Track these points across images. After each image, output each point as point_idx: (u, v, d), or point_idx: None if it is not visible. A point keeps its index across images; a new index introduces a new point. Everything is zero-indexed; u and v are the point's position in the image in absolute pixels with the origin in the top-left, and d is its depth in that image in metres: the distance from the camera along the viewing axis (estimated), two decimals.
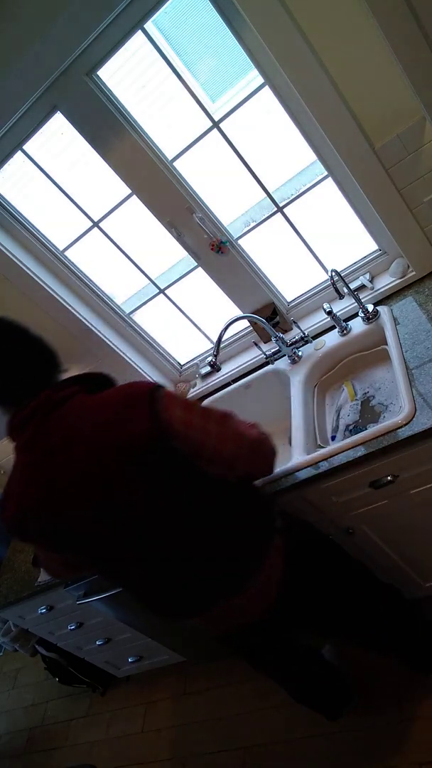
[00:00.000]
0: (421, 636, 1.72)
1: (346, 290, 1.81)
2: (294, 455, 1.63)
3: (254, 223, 1.94)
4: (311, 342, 1.94)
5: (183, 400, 1.23)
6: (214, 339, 1.98)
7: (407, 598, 1.70)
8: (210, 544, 1.30)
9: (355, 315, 1.88)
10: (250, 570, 1.34)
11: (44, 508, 1.22)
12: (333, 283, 1.68)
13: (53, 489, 1.20)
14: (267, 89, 1.60)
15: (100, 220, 1.95)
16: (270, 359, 2.01)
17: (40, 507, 1.22)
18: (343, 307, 1.92)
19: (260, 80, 1.59)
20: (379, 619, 1.61)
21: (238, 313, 2.10)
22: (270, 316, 2.03)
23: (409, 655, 1.75)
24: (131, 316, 2.26)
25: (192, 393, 2.28)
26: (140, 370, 2.25)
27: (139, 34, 1.54)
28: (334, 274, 1.72)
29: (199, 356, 2.35)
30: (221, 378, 2.20)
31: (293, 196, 1.85)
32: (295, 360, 1.94)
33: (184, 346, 2.37)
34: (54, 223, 1.99)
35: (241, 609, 1.38)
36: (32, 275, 2.00)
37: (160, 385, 1.23)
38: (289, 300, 2.11)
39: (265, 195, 1.84)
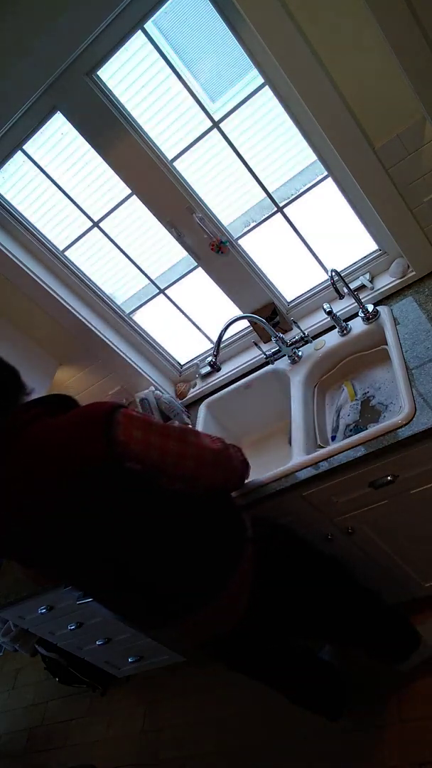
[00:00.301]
0: (390, 627, 1.73)
1: (346, 290, 1.81)
2: (294, 455, 1.63)
3: (254, 223, 1.94)
4: (311, 342, 1.94)
5: (141, 419, 1.23)
6: (214, 339, 1.98)
7: (379, 598, 1.72)
8: (177, 557, 1.32)
9: (355, 315, 1.88)
10: (221, 580, 1.36)
11: (11, 526, 1.26)
12: (333, 283, 1.68)
13: (19, 509, 1.23)
14: (267, 89, 1.60)
15: (100, 220, 1.95)
16: (270, 359, 2.01)
17: (7, 525, 1.26)
18: (343, 307, 1.92)
19: (260, 80, 1.59)
20: (352, 615, 1.64)
21: (238, 313, 2.10)
22: (270, 316, 2.03)
23: (382, 647, 1.76)
24: (131, 316, 2.26)
25: (192, 393, 2.28)
26: (140, 370, 2.25)
27: (139, 34, 1.54)
28: (334, 274, 1.72)
29: (199, 356, 2.35)
30: (221, 378, 2.21)
31: (293, 196, 1.85)
32: (295, 360, 1.94)
33: (184, 346, 2.37)
34: (54, 223, 1.99)
35: (214, 618, 1.40)
36: (32, 275, 2.00)
37: (118, 405, 1.24)
38: (289, 300, 2.11)
39: (265, 195, 1.84)
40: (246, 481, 1.48)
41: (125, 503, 1.23)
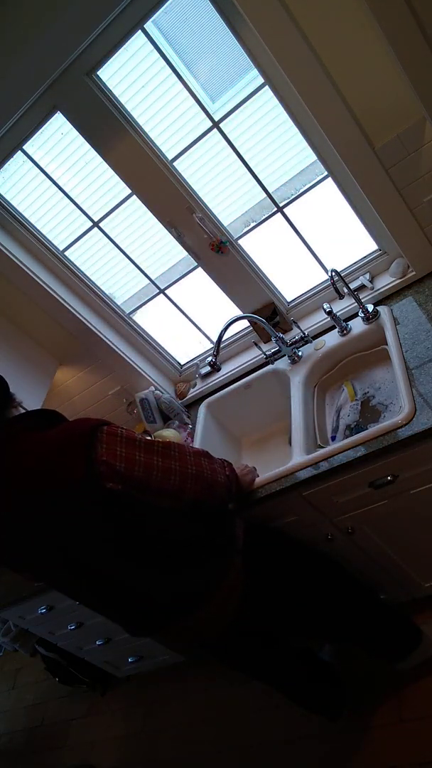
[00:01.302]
0: (388, 625, 1.73)
1: (346, 290, 1.81)
2: (294, 455, 1.63)
3: (254, 223, 1.94)
4: (311, 342, 1.94)
5: (124, 436, 1.23)
6: (214, 339, 1.98)
7: (377, 597, 1.73)
8: (161, 569, 1.32)
9: (355, 315, 1.88)
10: (205, 592, 1.36)
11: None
12: (333, 283, 1.68)
13: (1, 521, 1.25)
14: (267, 89, 1.60)
15: (100, 220, 1.95)
16: (270, 359, 2.01)
17: None
18: (343, 307, 1.92)
19: (260, 80, 1.59)
20: (348, 616, 1.65)
21: (238, 313, 2.10)
22: (270, 316, 2.03)
23: (380, 645, 1.76)
24: (131, 316, 2.26)
25: (192, 393, 2.28)
26: (140, 370, 2.25)
27: (139, 34, 1.54)
28: (334, 274, 1.72)
29: (199, 356, 2.35)
30: (221, 378, 2.21)
31: (293, 196, 1.85)
32: (295, 360, 1.94)
33: (184, 346, 2.37)
34: (54, 223, 1.99)
35: (200, 626, 1.41)
36: (32, 275, 2.01)
37: (101, 423, 1.23)
38: (289, 300, 2.11)
39: (265, 195, 1.84)
40: (235, 493, 1.46)
41: (106, 520, 1.22)
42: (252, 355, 2.15)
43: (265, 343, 2.11)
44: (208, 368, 2.26)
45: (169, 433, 2.12)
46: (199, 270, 2.03)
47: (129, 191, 1.86)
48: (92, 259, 2.09)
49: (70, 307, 2.09)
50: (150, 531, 1.29)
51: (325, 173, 1.74)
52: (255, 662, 1.66)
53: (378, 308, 1.82)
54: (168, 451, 1.27)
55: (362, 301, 1.84)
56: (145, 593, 1.36)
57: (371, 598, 1.70)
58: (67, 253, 2.07)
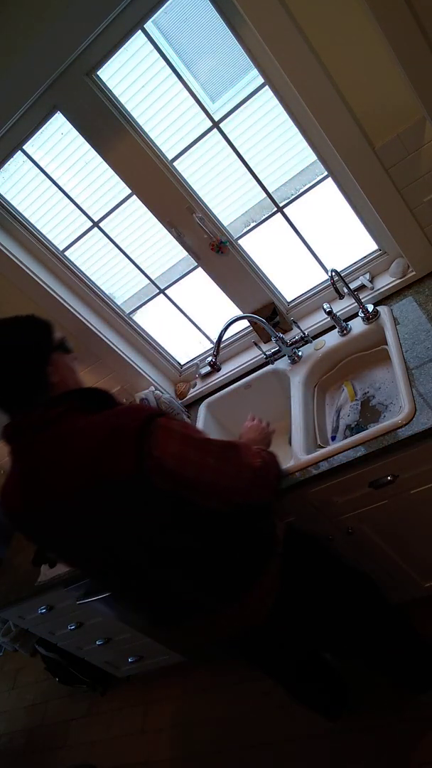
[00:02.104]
0: (418, 657, 1.67)
1: (346, 290, 1.81)
2: (294, 455, 1.63)
3: (254, 223, 1.94)
4: (311, 342, 1.94)
5: (179, 431, 1.15)
6: (214, 339, 1.98)
7: (409, 621, 1.66)
8: (194, 566, 1.27)
9: (355, 315, 1.88)
10: (236, 593, 1.32)
11: (30, 519, 1.25)
12: (333, 283, 1.68)
13: (39, 505, 1.20)
14: (267, 89, 1.60)
15: (100, 220, 1.95)
16: (270, 359, 2.01)
17: (27, 517, 1.25)
18: (343, 307, 1.92)
19: (260, 80, 1.59)
20: (379, 641, 1.59)
21: (238, 313, 2.10)
22: (270, 316, 2.03)
23: (406, 675, 1.71)
24: (131, 316, 2.26)
25: (192, 393, 2.28)
26: (140, 370, 2.25)
27: (139, 34, 1.54)
28: (334, 274, 1.72)
29: (199, 356, 2.35)
30: (221, 378, 2.20)
31: (293, 196, 1.85)
32: (295, 360, 1.94)
33: (184, 346, 2.37)
34: (54, 223, 1.99)
35: (225, 625, 1.37)
36: (32, 275, 2.00)
37: (156, 414, 1.14)
38: (289, 300, 2.11)
39: (265, 195, 1.84)
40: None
41: (147, 517, 1.16)
42: (252, 355, 2.15)
43: (265, 343, 2.11)
44: (208, 368, 2.26)
45: None
46: (199, 270, 2.03)
47: (129, 191, 1.86)
48: (92, 259, 2.09)
49: (70, 307, 2.09)
50: (190, 531, 1.22)
51: (325, 173, 1.74)
52: (264, 657, 1.62)
53: (378, 308, 1.82)
54: (224, 453, 1.20)
55: (362, 301, 1.84)
56: (172, 588, 1.30)
57: (405, 625, 1.64)
58: (67, 253, 2.07)
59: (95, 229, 1.98)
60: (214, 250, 1.93)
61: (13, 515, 1.25)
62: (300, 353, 1.94)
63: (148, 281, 2.13)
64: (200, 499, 1.18)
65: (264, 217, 1.91)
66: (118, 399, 1.27)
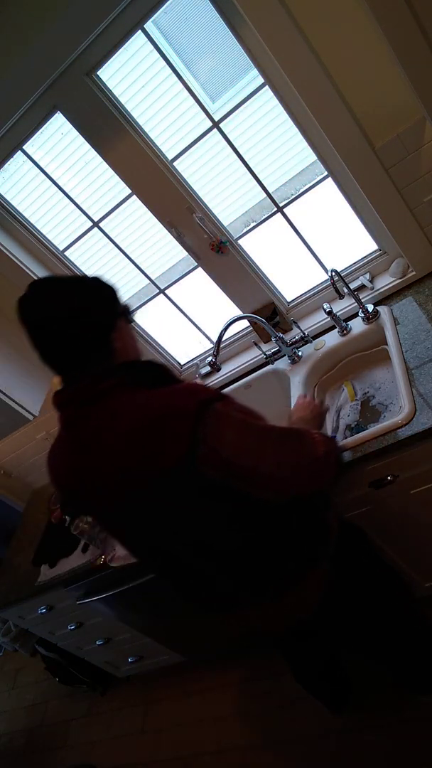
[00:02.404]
0: (428, 657, 1.65)
1: (346, 290, 1.81)
2: None
3: (254, 223, 1.94)
4: (311, 342, 1.94)
5: (238, 417, 1.06)
6: (214, 339, 1.98)
7: (427, 621, 1.64)
8: (236, 557, 1.20)
9: (355, 315, 1.88)
10: (284, 588, 1.25)
11: (74, 488, 1.19)
12: (333, 283, 1.68)
13: (82, 477, 1.14)
14: (267, 89, 1.60)
15: (100, 220, 1.95)
16: (270, 359, 2.01)
17: (70, 486, 1.20)
18: (343, 307, 1.92)
19: (260, 80, 1.59)
20: (401, 638, 1.57)
21: (238, 313, 2.10)
22: (270, 316, 2.03)
23: (413, 675, 1.70)
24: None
25: None
26: None
27: (139, 33, 1.54)
28: (334, 274, 1.72)
29: (199, 356, 2.35)
30: (221, 378, 2.20)
31: (293, 196, 1.85)
32: (295, 360, 1.94)
33: (184, 346, 2.37)
34: (54, 223, 1.99)
35: (270, 616, 1.31)
36: (32, 275, 2.00)
37: (215, 398, 1.05)
38: (289, 300, 2.11)
39: (265, 195, 1.84)
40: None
41: (191, 509, 1.10)
42: (252, 355, 2.15)
43: (265, 343, 2.11)
44: (208, 368, 2.26)
45: None
46: (199, 270, 2.03)
47: (129, 191, 1.86)
48: (92, 260, 2.09)
49: None
50: (237, 523, 1.15)
51: (325, 173, 1.74)
52: (291, 642, 1.59)
53: (378, 308, 1.82)
54: (285, 439, 1.13)
55: (362, 301, 1.84)
56: (216, 583, 1.25)
57: (425, 624, 1.61)
58: (67, 253, 2.07)
59: (95, 229, 1.98)
60: (214, 250, 1.93)
61: (57, 479, 1.22)
62: (300, 353, 1.94)
63: (148, 281, 2.13)
64: (254, 489, 1.10)
65: (264, 217, 1.91)
66: (177, 376, 1.18)
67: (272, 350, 2.01)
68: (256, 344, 2.04)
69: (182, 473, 1.03)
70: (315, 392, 1.89)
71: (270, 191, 1.83)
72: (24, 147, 1.78)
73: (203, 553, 1.19)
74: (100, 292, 1.15)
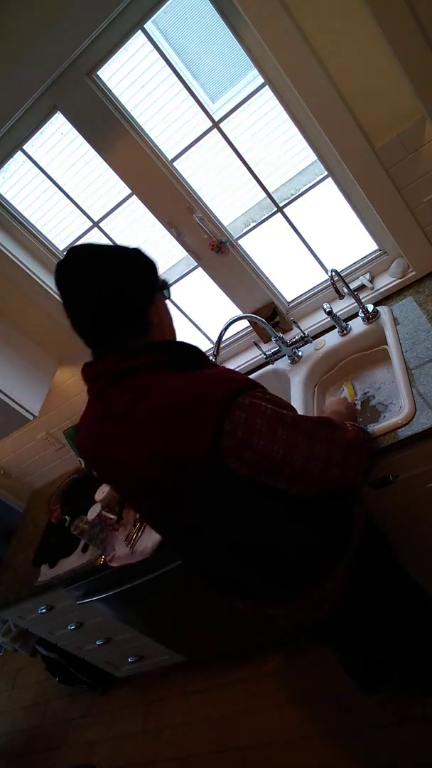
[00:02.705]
0: None
1: (346, 290, 1.81)
2: None
3: (254, 223, 1.94)
4: (311, 342, 1.94)
5: (269, 410, 1.02)
6: (214, 339, 1.98)
7: None
8: (258, 554, 1.18)
9: (355, 315, 1.88)
10: (296, 589, 1.23)
11: (97, 464, 1.18)
12: (333, 283, 1.68)
13: (105, 457, 1.12)
14: (267, 89, 1.60)
15: (100, 220, 1.95)
16: (270, 359, 2.01)
17: (94, 461, 1.18)
18: (343, 307, 1.92)
19: (260, 80, 1.59)
20: (420, 642, 1.55)
21: (238, 313, 2.10)
22: (270, 316, 2.03)
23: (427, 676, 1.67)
24: None
25: None
26: None
27: (139, 33, 1.54)
28: (334, 274, 1.72)
29: None
30: None
31: (293, 196, 1.85)
32: (295, 360, 1.94)
33: None
34: (54, 223, 1.99)
35: (284, 614, 1.30)
36: (32, 275, 2.01)
37: (245, 386, 1.02)
38: (289, 300, 2.11)
39: (265, 195, 1.84)
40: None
41: (219, 500, 1.07)
42: (252, 355, 2.15)
43: (265, 343, 2.11)
44: None
45: None
46: (199, 270, 2.03)
47: (129, 191, 1.86)
48: None
49: None
50: (263, 520, 1.12)
51: (325, 173, 1.74)
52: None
53: (378, 308, 1.82)
54: (317, 431, 1.08)
55: (362, 301, 1.84)
56: (235, 571, 1.23)
57: None
58: None
59: (95, 229, 1.98)
60: (214, 250, 1.93)
61: (84, 453, 1.21)
62: (300, 353, 1.95)
63: None
64: (285, 482, 1.06)
65: (264, 217, 1.91)
66: (212, 361, 1.13)
67: (272, 350, 2.01)
68: (256, 344, 2.04)
69: (208, 465, 1.00)
70: (315, 392, 1.89)
71: (270, 191, 1.83)
72: (24, 147, 1.78)
73: (227, 548, 1.16)
74: (139, 264, 1.10)
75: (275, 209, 1.88)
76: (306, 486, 1.09)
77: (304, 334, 1.93)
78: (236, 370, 2.15)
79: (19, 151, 1.79)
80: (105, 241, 2.01)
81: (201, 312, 2.23)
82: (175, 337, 1.17)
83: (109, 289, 1.05)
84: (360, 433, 1.22)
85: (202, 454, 0.98)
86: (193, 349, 1.12)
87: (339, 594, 1.26)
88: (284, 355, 1.98)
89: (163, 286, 1.14)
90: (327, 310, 1.78)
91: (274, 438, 1.01)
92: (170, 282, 2.10)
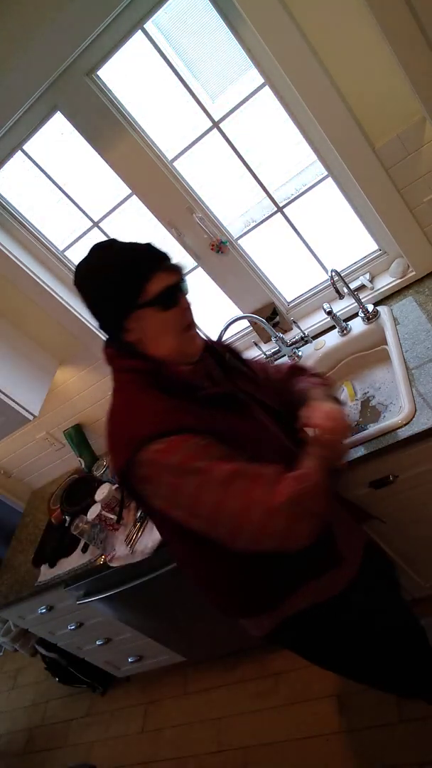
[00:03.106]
0: None
1: (346, 290, 1.81)
2: None
3: (254, 223, 1.94)
4: (311, 342, 1.94)
5: (173, 462, 0.98)
6: (214, 339, 1.97)
7: None
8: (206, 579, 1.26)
9: (355, 315, 1.88)
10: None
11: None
12: (333, 283, 1.68)
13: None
14: (267, 89, 1.60)
15: (100, 220, 1.95)
16: (270, 359, 2.01)
17: None
18: (343, 307, 1.92)
19: (260, 80, 1.59)
20: (410, 678, 1.50)
21: (238, 313, 2.10)
22: (270, 316, 2.03)
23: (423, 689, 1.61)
24: None
25: None
26: None
27: (140, 33, 1.54)
28: (334, 274, 1.72)
29: None
30: None
31: (293, 196, 1.85)
32: (295, 360, 1.94)
33: None
34: (54, 223, 1.99)
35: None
36: (32, 275, 2.00)
37: (155, 437, 0.99)
38: (289, 300, 2.11)
39: (265, 195, 1.84)
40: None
41: (152, 515, 1.16)
42: (252, 355, 2.14)
43: (265, 343, 2.11)
44: None
45: None
46: (199, 270, 2.03)
47: (129, 191, 1.86)
48: None
49: (70, 308, 2.09)
50: (195, 552, 1.18)
51: (325, 173, 1.74)
52: None
53: (378, 308, 1.82)
54: (229, 484, 0.98)
55: (362, 301, 1.84)
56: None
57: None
58: (67, 253, 2.07)
59: (95, 229, 1.98)
60: (214, 250, 1.93)
61: None
62: (300, 353, 1.94)
63: None
64: (200, 532, 1.03)
65: (264, 217, 1.91)
66: (205, 386, 1.14)
67: (272, 350, 2.01)
68: (256, 344, 2.04)
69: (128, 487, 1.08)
70: None
71: (270, 191, 1.83)
72: (24, 147, 1.78)
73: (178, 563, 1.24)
74: (115, 281, 1.09)
75: (275, 209, 1.88)
76: (223, 541, 1.02)
77: (304, 334, 1.93)
78: None
79: (19, 151, 1.79)
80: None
81: (201, 312, 2.22)
82: (169, 353, 1.14)
83: (88, 300, 1.14)
84: (303, 487, 1.00)
85: (121, 476, 1.06)
86: (178, 383, 1.10)
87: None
88: (284, 355, 1.98)
89: (153, 302, 1.08)
90: (327, 310, 1.78)
91: (178, 494, 1.00)
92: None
